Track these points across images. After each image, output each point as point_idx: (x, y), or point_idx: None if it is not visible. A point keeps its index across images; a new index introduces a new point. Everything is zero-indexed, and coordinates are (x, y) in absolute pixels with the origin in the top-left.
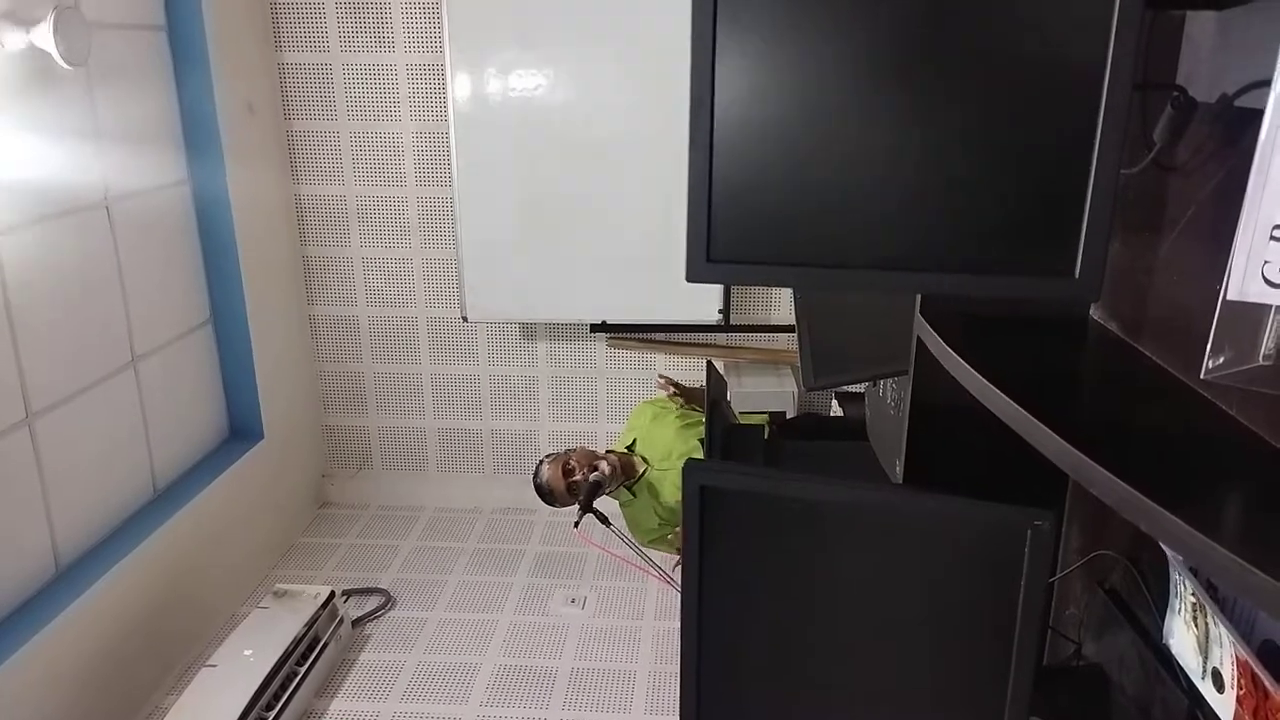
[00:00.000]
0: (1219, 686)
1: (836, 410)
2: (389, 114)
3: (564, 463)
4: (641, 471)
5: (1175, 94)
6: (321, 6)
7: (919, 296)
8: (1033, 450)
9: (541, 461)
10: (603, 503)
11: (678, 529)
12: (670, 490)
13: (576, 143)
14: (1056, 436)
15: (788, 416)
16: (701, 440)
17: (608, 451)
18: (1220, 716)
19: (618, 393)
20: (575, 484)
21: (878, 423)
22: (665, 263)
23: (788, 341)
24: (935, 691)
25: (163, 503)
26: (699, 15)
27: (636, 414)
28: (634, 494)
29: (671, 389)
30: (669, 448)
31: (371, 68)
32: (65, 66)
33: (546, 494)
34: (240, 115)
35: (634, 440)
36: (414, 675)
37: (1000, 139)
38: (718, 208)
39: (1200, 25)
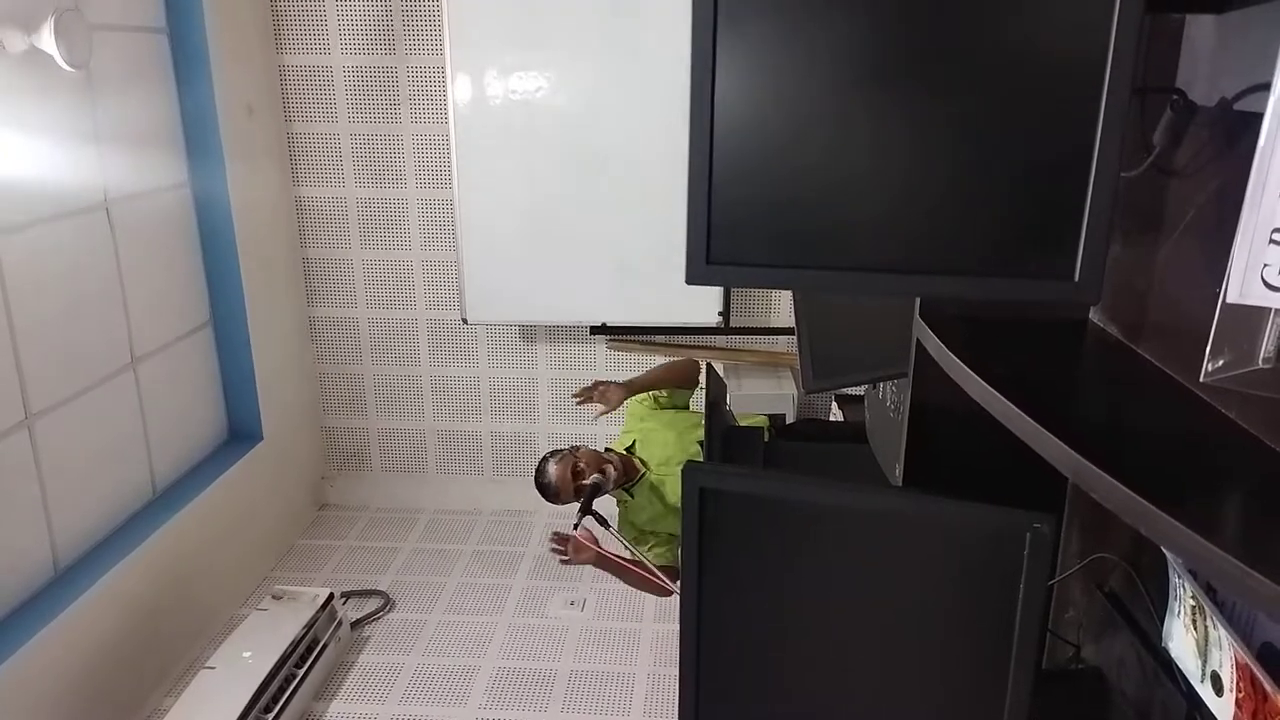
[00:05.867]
0: (1218, 689)
1: (836, 413)
2: (389, 116)
3: (572, 463)
4: (641, 474)
5: (1175, 97)
6: (322, 8)
7: (918, 299)
8: (1032, 453)
9: (546, 458)
10: (601, 504)
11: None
12: (672, 494)
13: (577, 145)
14: (1056, 439)
15: (787, 420)
16: (701, 444)
17: (607, 450)
18: (1219, 719)
19: None
20: (582, 486)
21: (877, 425)
22: (665, 265)
23: (787, 344)
24: (934, 694)
25: (162, 504)
26: (699, 19)
27: (635, 416)
28: (632, 495)
29: (602, 404)
30: (669, 453)
31: (372, 70)
32: (66, 69)
33: (553, 493)
34: (241, 117)
35: (634, 442)
36: (413, 677)
37: (1000, 142)
38: (717, 210)
39: (1200, 28)
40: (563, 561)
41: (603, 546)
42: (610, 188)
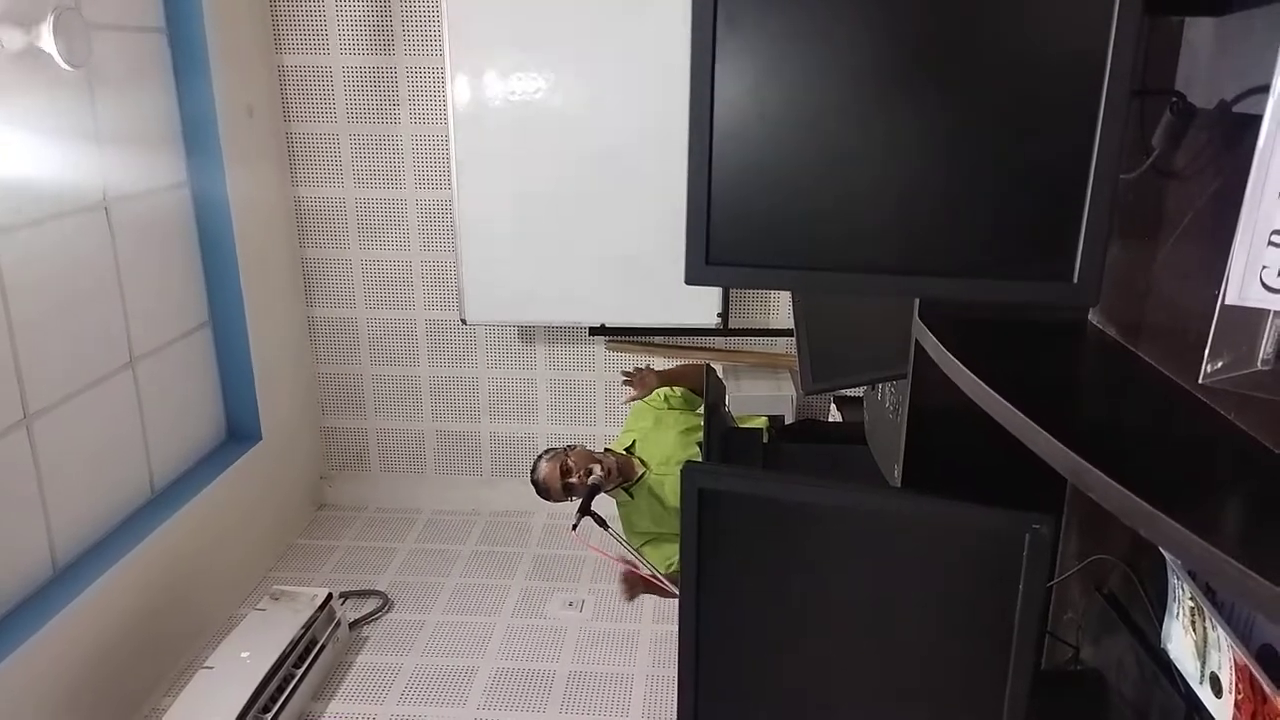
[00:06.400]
0: (1217, 691)
1: (835, 415)
2: (388, 116)
3: (562, 462)
4: (640, 474)
5: (1174, 99)
6: (321, 9)
7: (917, 300)
8: (1031, 454)
9: (540, 457)
10: (601, 504)
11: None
12: (672, 494)
13: (575, 145)
14: (1055, 440)
15: (786, 421)
16: (700, 444)
17: (606, 451)
18: None
19: (616, 396)
20: (571, 485)
21: (876, 426)
22: (664, 266)
23: (786, 345)
24: (933, 695)
25: (160, 504)
26: (699, 19)
27: (636, 415)
28: (631, 496)
29: (638, 388)
30: (668, 454)
31: (371, 71)
32: (65, 68)
33: (543, 491)
34: (240, 117)
35: (633, 442)
36: (411, 678)
37: (999, 144)
38: (717, 211)
39: (1199, 31)
40: (629, 600)
41: (604, 550)
42: (609, 188)
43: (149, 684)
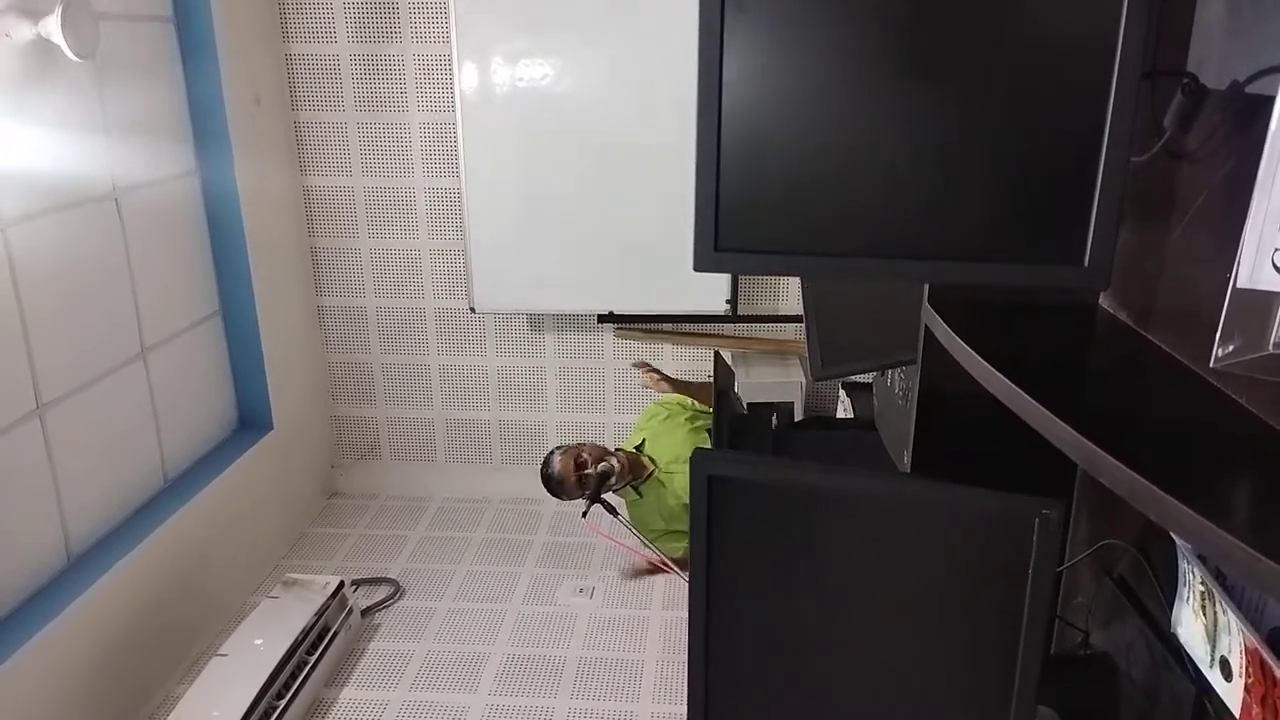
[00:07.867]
0: (1227, 675)
1: (844, 401)
2: (396, 105)
3: (576, 455)
4: (649, 472)
5: (1185, 80)
6: None
7: (927, 285)
8: (1041, 439)
9: (553, 452)
10: (610, 497)
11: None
12: (681, 490)
13: (584, 132)
14: (1065, 425)
15: (796, 408)
16: (709, 433)
17: (617, 449)
18: (1228, 705)
19: (625, 383)
20: (585, 477)
21: (886, 412)
22: (673, 252)
23: (795, 332)
24: (943, 680)
25: (173, 493)
26: (707, 4)
27: (648, 415)
28: (640, 494)
29: (655, 376)
30: (677, 451)
31: (379, 59)
32: (73, 58)
33: (557, 484)
34: (248, 106)
35: (643, 440)
36: (423, 664)
37: (1009, 127)
38: (725, 197)
39: (1211, 10)
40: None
41: (614, 537)
42: (617, 175)
43: (163, 671)
